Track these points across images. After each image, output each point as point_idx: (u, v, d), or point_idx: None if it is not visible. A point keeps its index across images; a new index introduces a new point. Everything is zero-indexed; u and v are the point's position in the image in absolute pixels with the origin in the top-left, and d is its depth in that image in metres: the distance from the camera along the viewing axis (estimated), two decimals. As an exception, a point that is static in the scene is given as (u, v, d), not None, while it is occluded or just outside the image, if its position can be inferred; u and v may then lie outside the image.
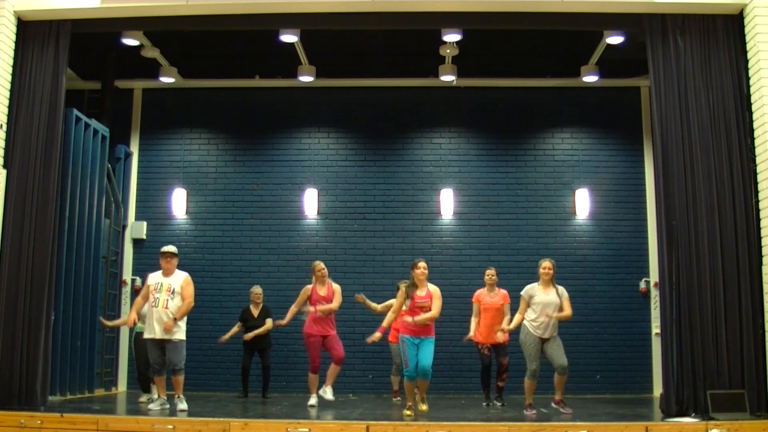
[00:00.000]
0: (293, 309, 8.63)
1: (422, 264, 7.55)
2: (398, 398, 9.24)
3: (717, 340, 7.35)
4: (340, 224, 11.33)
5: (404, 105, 11.64)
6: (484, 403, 8.77)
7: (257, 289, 9.93)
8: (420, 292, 7.49)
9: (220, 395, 9.26)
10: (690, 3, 7.94)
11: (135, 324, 8.32)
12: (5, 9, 8.08)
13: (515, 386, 9.81)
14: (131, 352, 10.41)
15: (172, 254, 7.96)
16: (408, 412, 7.35)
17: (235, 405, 8.71)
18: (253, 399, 9.55)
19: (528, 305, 7.84)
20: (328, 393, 8.42)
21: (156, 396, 8.10)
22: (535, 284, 7.92)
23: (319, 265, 8.61)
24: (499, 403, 8.69)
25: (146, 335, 7.88)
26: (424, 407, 7.66)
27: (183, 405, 7.65)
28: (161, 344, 7.81)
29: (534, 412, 7.69)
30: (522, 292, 7.93)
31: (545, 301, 7.75)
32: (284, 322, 8.74)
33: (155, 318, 7.76)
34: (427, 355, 7.39)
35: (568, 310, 7.80)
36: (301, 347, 10.55)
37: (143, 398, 9.06)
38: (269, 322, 9.68)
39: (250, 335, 9.63)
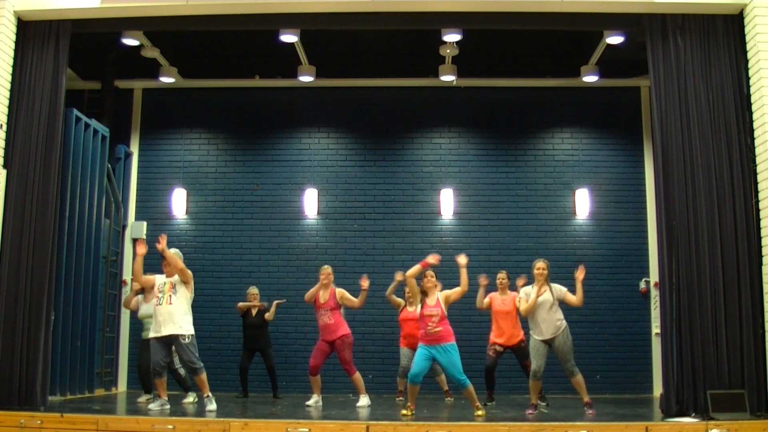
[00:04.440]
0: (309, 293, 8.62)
1: (429, 272, 7.60)
2: (401, 398, 9.24)
3: (717, 340, 7.35)
4: (340, 224, 11.32)
5: (404, 105, 11.63)
6: (483, 403, 8.75)
7: (253, 290, 9.94)
8: (430, 301, 7.53)
9: (220, 395, 9.23)
10: (690, 3, 7.94)
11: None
12: (5, 9, 8.08)
13: (515, 386, 9.85)
14: (132, 352, 10.42)
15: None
16: (404, 412, 7.35)
17: (235, 405, 8.71)
18: (253, 399, 9.55)
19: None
20: (361, 400, 8.53)
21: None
22: (529, 287, 7.98)
23: (326, 270, 8.59)
24: (543, 404, 8.44)
25: (151, 334, 7.80)
26: (478, 412, 7.33)
27: (212, 405, 7.66)
28: (167, 342, 7.75)
29: (533, 412, 7.69)
30: (521, 293, 8.00)
31: (540, 301, 7.76)
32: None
33: (160, 316, 7.70)
34: (450, 368, 7.39)
35: (576, 298, 7.78)
36: (300, 347, 10.63)
37: (143, 398, 9.05)
38: (272, 309, 9.84)
39: (277, 302, 9.92)
